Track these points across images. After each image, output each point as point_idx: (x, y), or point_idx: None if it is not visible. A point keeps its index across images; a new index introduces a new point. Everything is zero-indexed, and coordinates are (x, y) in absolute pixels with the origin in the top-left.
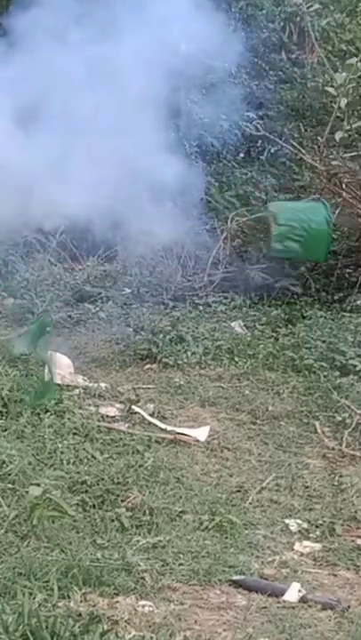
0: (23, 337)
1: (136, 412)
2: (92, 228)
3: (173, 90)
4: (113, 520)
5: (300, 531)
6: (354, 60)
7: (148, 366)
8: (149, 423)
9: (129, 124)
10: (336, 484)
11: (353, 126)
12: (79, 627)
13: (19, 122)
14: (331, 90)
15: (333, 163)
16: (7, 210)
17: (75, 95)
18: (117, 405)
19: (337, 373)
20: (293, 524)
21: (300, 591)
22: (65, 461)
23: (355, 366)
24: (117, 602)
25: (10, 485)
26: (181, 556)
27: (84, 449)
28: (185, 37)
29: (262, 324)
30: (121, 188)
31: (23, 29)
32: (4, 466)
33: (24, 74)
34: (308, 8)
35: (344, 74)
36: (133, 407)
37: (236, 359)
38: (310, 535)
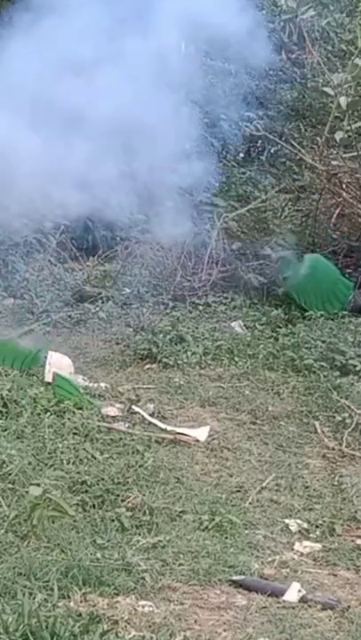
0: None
1: (136, 412)
2: (91, 225)
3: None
4: (113, 520)
5: (300, 531)
6: (359, 60)
7: (148, 366)
8: (149, 423)
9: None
10: (336, 484)
11: (353, 126)
12: (79, 627)
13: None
14: (328, 90)
15: (333, 163)
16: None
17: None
18: (117, 405)
19: (337, 373)
20: (293, 523)
21: (300, 591)
22: (65, 461)
23: (355, 366)
24: (117, 602)
25: (10, 485)
26: (181, 555)
27: (84, 449)
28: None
29: (262, 324)
30: (121, 185)
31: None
32: (4, 466)
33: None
34: (302, 14)
35: (341, 74)
36: (133, 407)
37: (236, 359)
38: (310, 535)
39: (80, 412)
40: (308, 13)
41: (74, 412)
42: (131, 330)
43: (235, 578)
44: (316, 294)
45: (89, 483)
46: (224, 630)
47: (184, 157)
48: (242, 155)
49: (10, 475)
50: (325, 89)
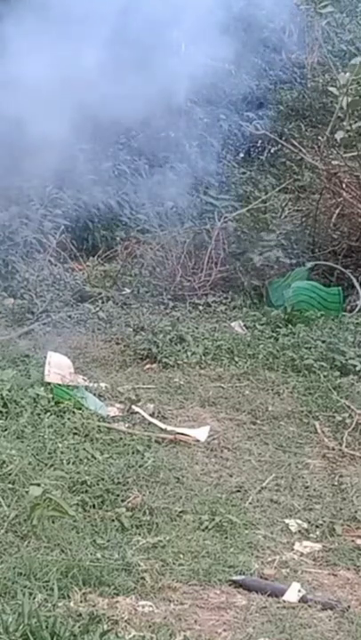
0: None
1: (136, 412)
2: (91, 225)
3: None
4: (113, 520)
5: (300, 531)
6: (358, 59)
7: (148, 366)
8: (149, 423)
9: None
10: (336, 484)
11: (353, 126)
12: (79, 627)
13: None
14: (333, 90)
15: (334, 162)
16: None
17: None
18: (117, 405)
19: (337, 373)
20: (293, 523)
21: (300, 591)
22: (65, 461)
23: (355, 366)
24: (117, 602)
25: (10, 485)
26: (181, 555)
27: (84, 449)
28: None
29: (262, 324)
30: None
31: None
32: (4, 466)
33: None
34: (320, 8)
35: (348, 74)
36: (133, 407)
37: (236, 359)
38: (310, 535)
39: (80, 411)
40: (327, 9)
41: (74, 412)
42: (131, 330)
43: (235, 578)
44: (310, 308)
45: (89, 483)
46: (224, 630)
47: (185, 157)
48: (242, 155)
49: (10, 475)
50: (331, 88)
